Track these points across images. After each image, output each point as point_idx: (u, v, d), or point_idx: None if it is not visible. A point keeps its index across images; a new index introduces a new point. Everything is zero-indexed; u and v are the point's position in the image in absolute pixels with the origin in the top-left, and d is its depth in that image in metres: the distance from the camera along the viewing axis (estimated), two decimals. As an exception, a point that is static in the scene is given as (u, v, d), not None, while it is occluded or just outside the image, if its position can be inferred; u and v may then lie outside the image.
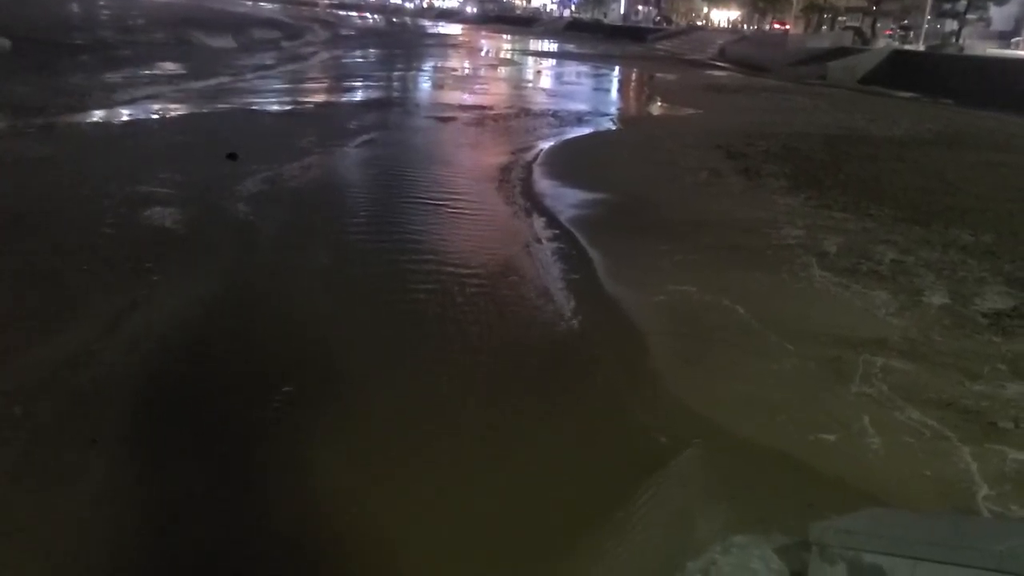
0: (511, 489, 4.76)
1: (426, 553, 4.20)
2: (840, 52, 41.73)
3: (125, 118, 16.32)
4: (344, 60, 35.34)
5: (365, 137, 15.83)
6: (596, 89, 30.90)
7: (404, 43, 51.76)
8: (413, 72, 31.85)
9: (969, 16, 50.87)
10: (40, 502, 4.46)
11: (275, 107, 19.21)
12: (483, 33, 78.82)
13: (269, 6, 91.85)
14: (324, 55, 36.84)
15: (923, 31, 49.49)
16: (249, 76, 25.33)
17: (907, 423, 5.59)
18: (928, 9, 49.46)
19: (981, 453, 5.23)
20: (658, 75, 34.76)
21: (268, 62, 30.54)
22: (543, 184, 12.64)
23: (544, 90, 28.76)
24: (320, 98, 21.58)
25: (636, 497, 4.67)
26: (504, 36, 73.55)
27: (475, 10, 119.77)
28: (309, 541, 4.26)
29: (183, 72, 24.51)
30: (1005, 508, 4.67)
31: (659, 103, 25.83)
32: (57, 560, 4.03)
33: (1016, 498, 4.77)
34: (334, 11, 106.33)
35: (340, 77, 28.03)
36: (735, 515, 4.44)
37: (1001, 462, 5.14)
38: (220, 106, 18.39)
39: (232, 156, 12.88)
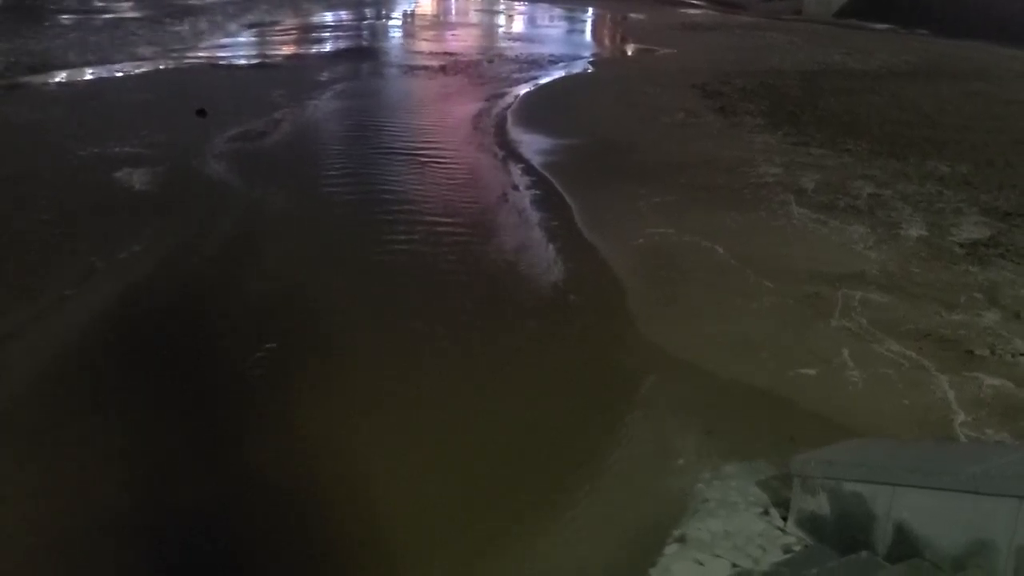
0: (491, 433, 4.80)
1: (407, 493, 4.24)
2: (815, -15, 41.07)
3: (90, 76, 15.89)
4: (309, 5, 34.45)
5: (337, 88, 15.51)
6: (569, 31, 30.36)
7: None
8: (383, 21, 31.15)
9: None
10: (25, 458, 4.45)
11: (243, 60, 18.76)
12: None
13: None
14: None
15: (898, -39, 48.77)
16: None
17: (886, 355, 5.66)
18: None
19: (958, 381, 5.32)
20: (632, 15, 34.16)
21: (230, 10, 29.69)
22: (519, 131, 12.49)
23: (517, 34, 28.24)
24: (288, 49, 21.09)
25: (617, 435, 4.72)
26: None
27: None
28: (292, 486, 4.29)
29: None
30: (981, 433, 4.77)
31: (633, 44, 25.42)
32: (43, 519, 4.03)
33: (991, 423, 4.87)
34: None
35: (306, 27, 27.34)
36: (717, 450, 4.50)
37: (977, 389, 5.24)
38: (187, 61, 17.93)
39: (201, 112, 12.61)
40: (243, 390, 5.24)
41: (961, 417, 4.91)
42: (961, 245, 7.76)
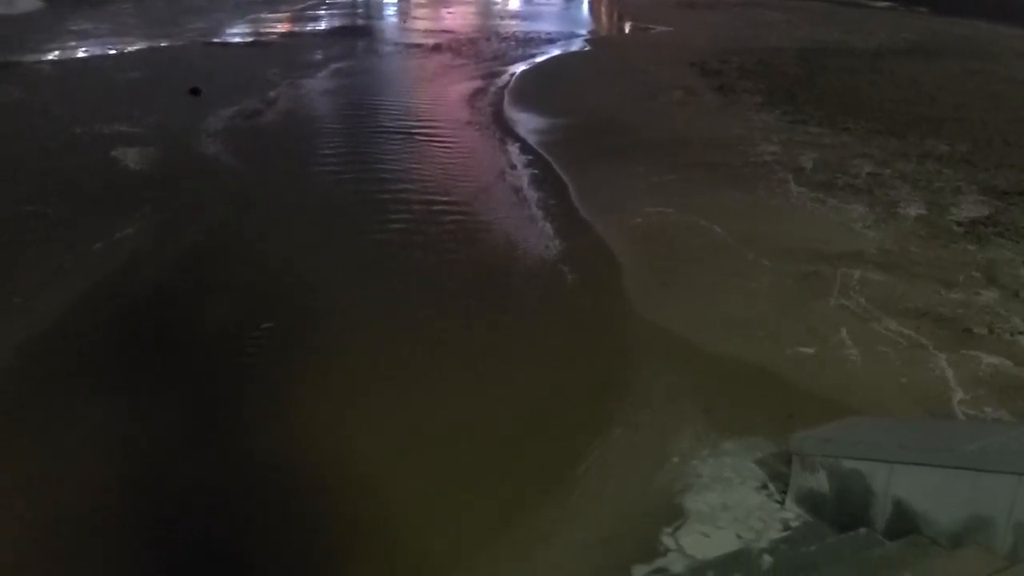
0: (492, 413, 4.80)
1: (406, 477, 4.24)
2: (814, -38, 40.59)
3: (83, 54, 15.75)
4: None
5: (332, 67, 15.40)
6: (566, 8, 30.14)
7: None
8: (378, -2, 30.90)
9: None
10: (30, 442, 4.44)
11: (237, 39, 18.61)
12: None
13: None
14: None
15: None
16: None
17: (884, 333, 5.65)
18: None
19: (956, 359, 5.31)
20: (630, -8, 33.97)
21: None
22: (516, 109, 12.42)
23: (513, 11, 28.04)
24: (283, 27, 20.91)
25: (616, 415, 4.72)
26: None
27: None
28: (290, 471, 4.29)
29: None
30: (979, 411, 4.77)
31: (631, 22, 25.27)
32: (47, 508, 4.03)
33: (990, 401, 4.87)
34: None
35: (300, 4, 27.11)
36: (715, 428, 4.51)
37: (976, 367, 5.24)
38: (180, 39, 17.76)
39: (195, 91, 12.52)
40: (240, 367, 5.24)
41: (959, 395, 4.91)
42: (959, 224, 7.74)
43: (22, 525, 3.91)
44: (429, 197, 8.38)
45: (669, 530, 3.73)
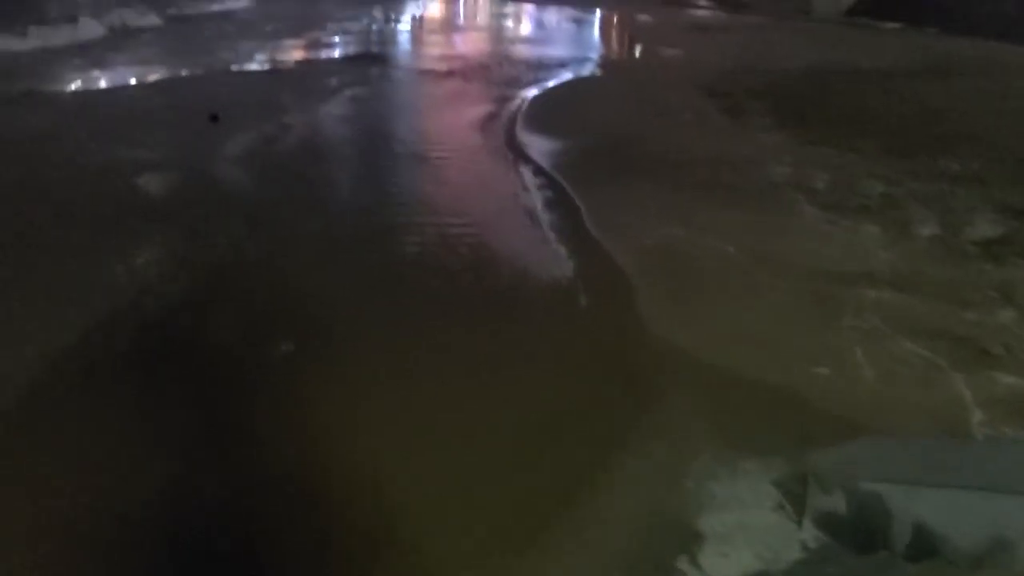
0: (504, 432, 4.81)
1: (413, 489, 4.27)
2: (824, -16, 40.81)
3: (103, 84, 15.99)
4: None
5: (347, 94, 15.57)
6: (576, 34, 30.34)
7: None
8: (391, 25, 31.28)
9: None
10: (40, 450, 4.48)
11: (255, 66, 18.86)
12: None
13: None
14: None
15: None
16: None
17: (900, 354, 5.65)
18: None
19: (973, 380, 5.30)
20: (640, 17, 34.18)
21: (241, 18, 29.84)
22: (528, 133, 12.49)
23: (524, 37, 28.29)
24: (299, 55, 21.18)
25: (628, 433, 4.73)
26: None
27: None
28: (302, 481, 4.32)
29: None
30: (997, 431, 4.75)
31: (641, 46, 25.41)
32: (56, 516, 4.06)
33: (1008, 421, 4.85)
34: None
35: (316, 33, 27.49)
36: (730, 448, 4.50)
37: (993, 387, 5.22)
38: (198, 67, 18.01)
39: (214, 118, 12.68)
40: (251, 379, 5.29)
41: (978, 416, 4.89)
42: (975, 243, 7.73)
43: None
44: (442, 220, 8.44)
45: (684, 550, 3.72)
